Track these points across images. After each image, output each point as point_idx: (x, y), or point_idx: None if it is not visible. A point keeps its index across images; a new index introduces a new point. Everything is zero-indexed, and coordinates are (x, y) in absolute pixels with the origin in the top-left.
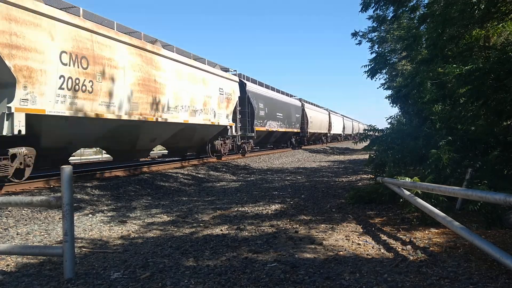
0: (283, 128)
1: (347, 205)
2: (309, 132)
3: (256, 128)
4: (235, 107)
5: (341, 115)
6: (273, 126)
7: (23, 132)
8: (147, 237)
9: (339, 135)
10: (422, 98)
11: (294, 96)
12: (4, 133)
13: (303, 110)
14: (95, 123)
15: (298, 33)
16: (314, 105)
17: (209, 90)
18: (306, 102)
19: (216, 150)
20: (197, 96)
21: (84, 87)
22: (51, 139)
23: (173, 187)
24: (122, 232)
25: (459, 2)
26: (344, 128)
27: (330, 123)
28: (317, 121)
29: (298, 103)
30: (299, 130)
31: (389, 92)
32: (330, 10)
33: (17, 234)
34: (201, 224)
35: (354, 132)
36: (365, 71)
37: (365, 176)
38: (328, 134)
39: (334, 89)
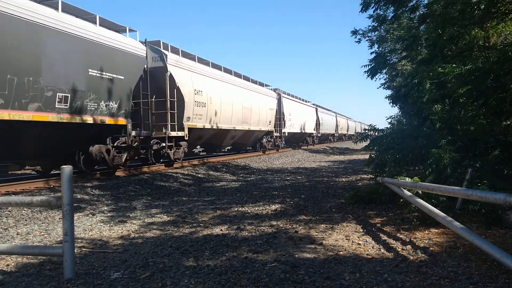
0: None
1: (347, 205)
2: (195, 128)
3: None
4: None
5: (314, 105)
6: None
7: None
8: (147, 237)
9: (310, 134)
10: (421, 98)
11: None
12: None
13: (170, 77)
14: None
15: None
16: (220, 68)
17: None
18: (178, 54)
19: None
20: None
21: None
22: None
23: (173, 187)
24: (122, 232)
25: (459, 2)
26: (318, 125)
27: (281, 114)
28: (233, 109)
29: (139, 53)
30: (124, 121)
31: (389, 92)
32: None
33: (17, 234)
34: (201, 224)
35: (339, 132)
36: (365, 71)
37: (365, 176)
38: (276, 134)
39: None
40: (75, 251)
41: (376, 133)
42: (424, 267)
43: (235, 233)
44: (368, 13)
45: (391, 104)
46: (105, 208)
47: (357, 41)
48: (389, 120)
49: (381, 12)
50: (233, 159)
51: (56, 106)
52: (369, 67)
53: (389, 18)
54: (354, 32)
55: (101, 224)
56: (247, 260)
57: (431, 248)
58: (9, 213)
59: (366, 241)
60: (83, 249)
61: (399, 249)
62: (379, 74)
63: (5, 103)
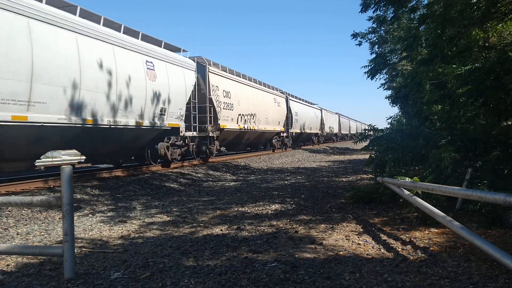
0: None
1: (347, 205)
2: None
3: None
4: None
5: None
6: None
7: None
8: (147, 237)
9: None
10: (421, 98)
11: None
12: None
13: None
14: None
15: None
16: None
17: None
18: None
19: None
20: None
21: None
22: None
23: (173, 187)
24: (122, 232)
25: (459, 2)
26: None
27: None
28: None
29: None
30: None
31: (389, 92)
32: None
33: (17, 234)
34: (201, 224)
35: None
36: (365, 72)
37: (365, 176)
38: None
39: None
40: (75, 251)
41: (376, 133)
42: (424, 267)
43: (235, 233)
44: (367, 15)
45: (391, 104)
46: (105, 208)
47: (358, 44)
48: (389, 120)
49: (381, 13)
50: (233, 159)
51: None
52: (369, 67)
53: (389, 19)
54: (355, 35)
55: (101, 224)
56: (247, 260)
57: (431, 248)
58: (9, 213)
59: (366, 241)
60: (83, 249)
61: (399, 249)
62: (379, 74)
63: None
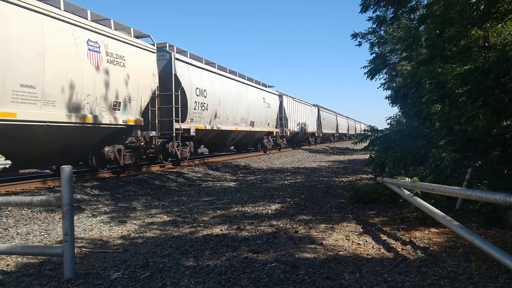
0: None
1: (347, 205)
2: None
3: None
4: None
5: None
6: None
7: None
8: (147, 237)
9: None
10: (421, 98)
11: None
12: None
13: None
14: None
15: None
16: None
17: None
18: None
19: None
20: None
21: None
22: None
23: (173, 187)
24: (122, 232)
25: (459, 2)
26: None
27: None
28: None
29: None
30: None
31: (389, 92)
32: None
33: (17, 234)
34: (201, 224)
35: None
36: (365, 72)
37: (365, 176)
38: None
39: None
40: (75, 251)
41: (376, 134)
42: (424, 267)
43: (235, 233)
44: (367, 15)
45: (390, 104)
46: (105, 208)
47: (357, 45)
48: (389, 121)
49: (381, 13)
50: (233, 159)
51: None
52: (369, 68)
53: (389, 19)
54: (355, 36)
55: (101, 224)
56: (247, 260)
57: (431, 248)
58: (9, 213)
59: (366, 241)
60: (83, 249)
61: (399, 249)
62: (378, 74)
63: None
